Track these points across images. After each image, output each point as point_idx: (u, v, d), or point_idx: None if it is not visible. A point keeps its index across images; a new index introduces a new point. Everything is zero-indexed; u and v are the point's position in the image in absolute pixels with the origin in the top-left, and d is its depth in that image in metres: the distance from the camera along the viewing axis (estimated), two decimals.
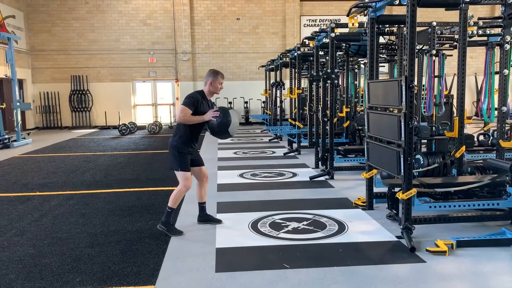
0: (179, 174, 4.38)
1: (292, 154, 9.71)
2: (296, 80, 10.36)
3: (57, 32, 17.81)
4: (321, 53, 8.90)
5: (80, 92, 17.98)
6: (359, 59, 10.64)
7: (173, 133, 4.47)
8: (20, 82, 16.55)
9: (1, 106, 11.96)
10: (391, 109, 4.33)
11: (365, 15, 5.09)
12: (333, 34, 6.63)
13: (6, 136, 11.83)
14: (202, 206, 4.75)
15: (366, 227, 4.55)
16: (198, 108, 4.31)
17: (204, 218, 4.74)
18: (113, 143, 12.56)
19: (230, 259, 3.78)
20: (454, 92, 6.06)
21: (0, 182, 7.24)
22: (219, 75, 4.41)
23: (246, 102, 18.38)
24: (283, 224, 4.64)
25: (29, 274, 3.51)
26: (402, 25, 5.74)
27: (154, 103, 18.90)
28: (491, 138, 7.28)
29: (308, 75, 9.88)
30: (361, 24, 6.11)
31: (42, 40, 17.77)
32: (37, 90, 17.82)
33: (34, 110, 17.51)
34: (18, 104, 12.42)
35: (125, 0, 17.91)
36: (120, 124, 15.29)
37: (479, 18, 6.05)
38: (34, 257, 3.88)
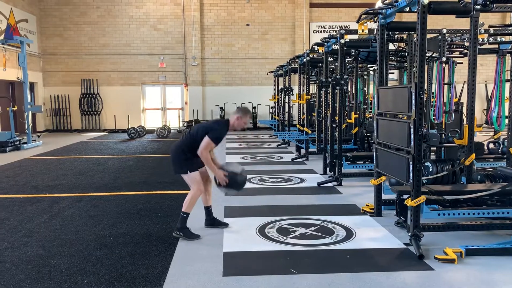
0: (189, 177, 4.41)
1: (300, 160, 9.70)
2: (305, 86, 10.38)
3: (68, 36, 18.03)
4: (330, 59, 8.89)
5: (90, 96, 18.15)
6: (369, 66, 10.64)
7: (184, 141, 4.45)
8: (32, 85, 16.76)
9: (13, 109, 12.11)
10: (401, 115, 4.33)
11: (375, 22, 5.10)
12: (342, 40, 6.63)
13: (17, 138, 11.97)
14: (208, 210, 4.78)
15: (374, 234, 4.53)
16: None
17: (211, 221, 4.77)
18: (122, 147, 12.65)
19: (238, 263, 3.79)
20: (464, 99, 6.04)
21: (10, 184, 7.33)
22: (248, 114, 4.58)
23: (254, 107, 18.41)
24: (290, 230, 4.64)
25: (38, 275, 3.55)
26: (412, 32, 5.74)
27: (163, 108, 19.01)
28: (501, 146, 7.21)
29: (317, 81, 9.89)
30: (370, 31, 6.12)
31: (54, 44, 18.00)
32: (48, 93, 18.02)
33: (45, 112, 17.69)
34: (29, 106, 12.59)
35: (136, 5, 18.10)
36: (129, 127, 15.40)
37: (490, 26, 6.03)
38: (43, 258, 3.92)
